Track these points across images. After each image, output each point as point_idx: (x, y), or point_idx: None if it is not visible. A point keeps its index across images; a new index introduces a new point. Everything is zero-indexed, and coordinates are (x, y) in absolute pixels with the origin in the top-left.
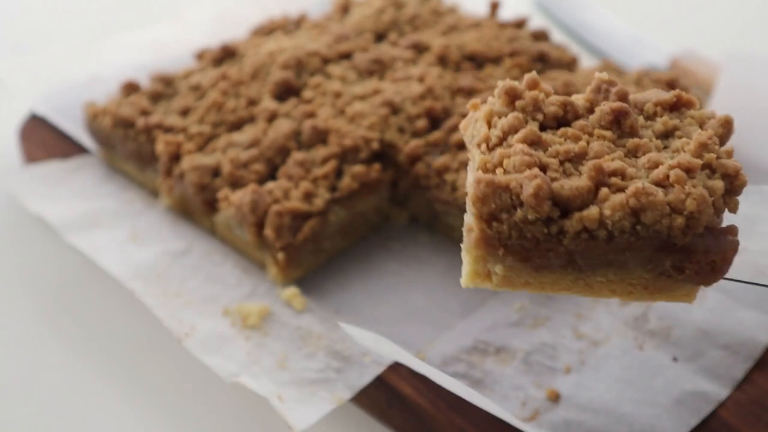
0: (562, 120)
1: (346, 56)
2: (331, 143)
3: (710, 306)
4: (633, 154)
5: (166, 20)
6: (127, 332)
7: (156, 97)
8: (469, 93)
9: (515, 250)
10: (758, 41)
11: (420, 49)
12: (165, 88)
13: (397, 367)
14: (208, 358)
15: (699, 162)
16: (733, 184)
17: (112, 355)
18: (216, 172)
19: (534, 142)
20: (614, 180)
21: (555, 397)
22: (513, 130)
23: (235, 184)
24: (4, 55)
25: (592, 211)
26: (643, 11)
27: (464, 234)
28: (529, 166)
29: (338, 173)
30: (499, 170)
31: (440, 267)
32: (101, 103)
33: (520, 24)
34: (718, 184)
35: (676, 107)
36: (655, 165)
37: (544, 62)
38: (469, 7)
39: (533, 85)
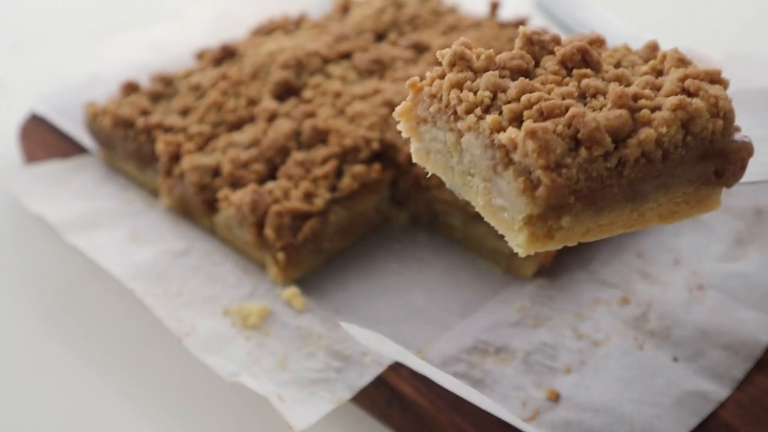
0: (524, 72)
1: (346, 56)
2: (331, 143)
3: (710, 306)
4: (617, 83)
5: (166, 20)
6: (127, 332)
7: (156, 97)
8: None
9: (583, 194)
10: (758, 41)
11: (420, 49)
12: (165, 88)
13: (397, 367)
14: (208, 357)
15: (701, 70)
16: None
17: (112, 355)
18: (216, 172)
19: (530, 91)
20: (642, 102)
21: (555, 397)
22: (498, 87)
23: (235, 184)
24: (4, 55)
25: (648, 132)
26: (643, 11)
27: (509, 202)
28: (560, 109)
29: (338, 173)
30: (525, 127)
31: (440, 267)
32: (101, 103)
33: (520, 24)
34: (719, 88)
35: (595, 43)
36: (655, 86)
37: None
38: (469, 7)
39: (469, 48)
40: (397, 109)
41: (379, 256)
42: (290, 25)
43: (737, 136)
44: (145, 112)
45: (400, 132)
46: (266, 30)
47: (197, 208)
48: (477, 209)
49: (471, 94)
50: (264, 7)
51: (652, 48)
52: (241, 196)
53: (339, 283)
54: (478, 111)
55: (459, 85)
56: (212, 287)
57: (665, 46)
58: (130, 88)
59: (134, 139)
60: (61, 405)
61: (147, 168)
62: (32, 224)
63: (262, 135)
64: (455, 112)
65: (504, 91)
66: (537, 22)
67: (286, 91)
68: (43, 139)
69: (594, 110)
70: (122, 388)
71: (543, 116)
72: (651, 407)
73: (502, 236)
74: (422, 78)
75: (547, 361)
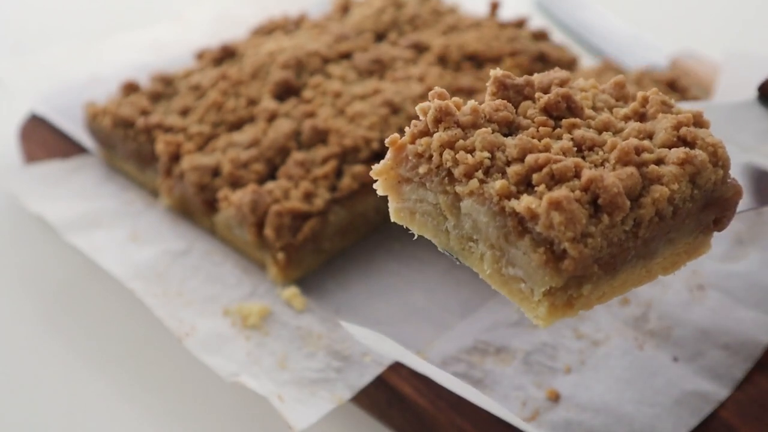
0: (511, 124)
1: (346, 56)
2: (331, 143)
3: (710, 306)
4: (605, 131)
5: (166, 20)
6: (127, 332)
7: (156, 97)
8: (470, 93)
9: (605, 261)
10: (758, 41)
11: (420, 48)
12: (165, 88)
13: (397, 367)
14: (208, 357)
15: (690, 116)
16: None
17: (112, 355)
18: (216, 172)
19: (531, 149)
20: (645, 156)
21: (555, 397)
22: (495, 146)
23: (235, 184)
24: (4, 55)
25: (662, 191)
26: (643, 11)
27: (526, 273)
28: (572, 171)
29: (338, 173)
30: (539, 191)
31: (440, 267)
32: (101, 103)
33: (520, 24)
34: (708, 132)
35: (565, 83)
36: (646, 133)
37: (544, 62)
38: (469, 7)
39: (444, 98)
40: (376, 167)
41: (379, 256)
42: (290, 25)
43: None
44: (145, 112)
45: (400, 132)
46: (266, 30)
47: (197, 208)
48: (481, 276)
49: (468, 156)
50: (264, 7)
51: (620, 86)
52: (241, 196)
53: (339, 283)
54: (479, 174)
55: (450, 145)
56: (212, 287)
57: (665, 46)
58: (130, 88)
59: (134, 139)
60: (61, 405)
61: (147, 168)
62: (32, 224)
63: (262, 135)
64: (449, 174)
65: (501, 149)
66: (537, 22)
67: (286, 91)
68: (43, 139)
69: (596, 166)
70: (122, 388)
71: (554, 180)
72: (651, 407)
73: None
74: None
75: (547, 361)
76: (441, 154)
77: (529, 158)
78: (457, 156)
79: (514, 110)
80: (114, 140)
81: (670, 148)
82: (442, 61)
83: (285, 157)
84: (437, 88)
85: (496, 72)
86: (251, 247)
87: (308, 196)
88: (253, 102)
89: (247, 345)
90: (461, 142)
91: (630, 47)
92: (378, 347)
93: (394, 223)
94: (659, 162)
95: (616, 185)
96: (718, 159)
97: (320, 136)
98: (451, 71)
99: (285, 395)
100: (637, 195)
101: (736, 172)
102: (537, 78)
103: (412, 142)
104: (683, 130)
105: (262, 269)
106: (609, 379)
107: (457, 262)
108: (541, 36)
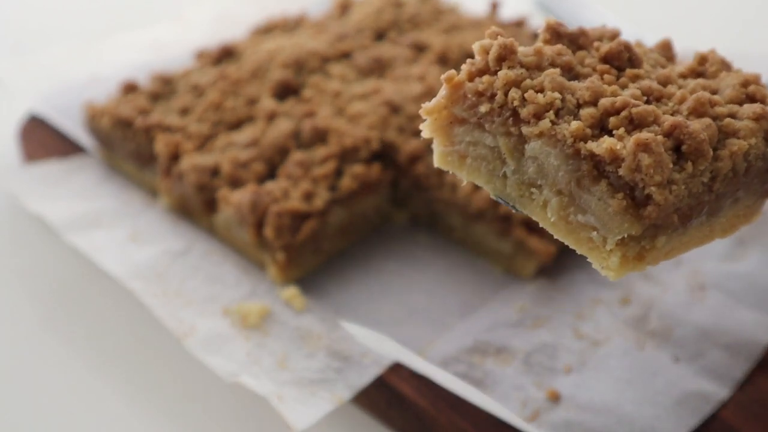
0: (574, 70)
1: (346, 55)
2: (331, 143)
3: (711, 306)
4: (669, 84)
5: (166, 20)
6: (127, 332)
7: (155, 97)
8: None
9: (683, 213)
10: (758, 41)
11: (420, 48)
12: (164, 87)
13: (397, 368)
14: (208, 357)
15: (755, 75)
16: None
17: (112, 355)
18: (215, 171)
19: (603, 94)
20: (719, 110)
21: (555, 398)
22: (564, 88)
23: (235, 183)
24: (4, 55)
25: (740, 144)
26: (643, 11)
27: (600, 220)
28: (653, 117)
29: (338, 173)
30: (618, 134)
31: (440, 267)
32: (101, 103)
33: (520, 24)
34: None
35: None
36: (711, 90)
37: None
38: (469, 6)
39: (510, 43)
40: (427, 105)
41: (379, 256)
42: (290, 25)
43: None
44: (144, 112)
45: (400, 131)
46: (266, 29)
47: (197, 208)
48: (542, 224)
49: (537, 95)
50: (264, 7)
51: (666, 47)
52: (241, 196)
53: (339, 283)
54: (550, 115)
55: (517, 84)
56: (212, 287)
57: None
58: (130, 88)
59: (133, 139)
60: (61, 405)
61: (146, 168)
62: (32, 224)
63: (262, 135)
64: (515, 115)
65: (570, 92)
66: (537, 22)
67: (285, 91)
68: (42, 139)
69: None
70: (122, 388)
71: (633, 125)
72: (651, 407)
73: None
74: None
75: (547, 362)
76: (506, 93)
77: (604, 101)
78: (525, 95)
79: (573, 57)
80: (113, 140)
81: (740, 104)
82: (442, 60)
83: (284, 157)
84: (494, 28)
85: (549, 19)
86: (251, 247)
87: (308, 196)
88: (252, 101)
89: (247, 345)
90: (528, 81)
91: None
92: (378, 347)
93: (394, 223)
94: (732, 116)
95: (702, 131)
96: None
97: (320, 136)
98: None
99: (285, 395)
100: (714, 147)
101: None
102: (589, 29)
103: (471, 80)
104: (752, 87)
105: (261, 269)
106: (609, 379)
107: (514, 210)
108: None
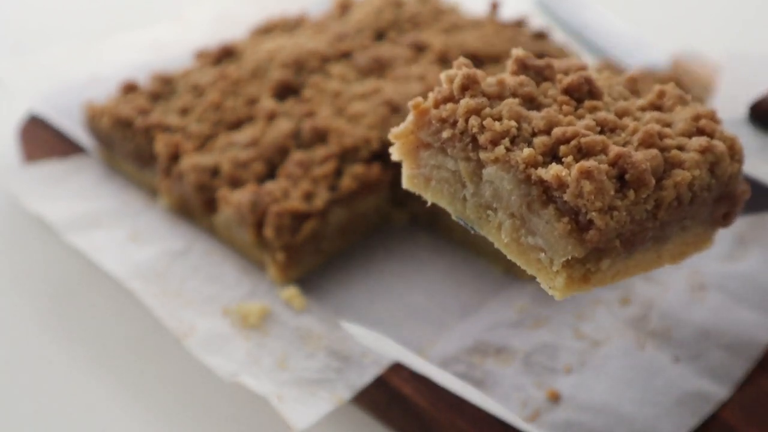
0: (534, 100)
1: (346, 55)
2: (331, 143)
3: (711, 306)
4: (625, 116)
5: (166, 20)
6: (127, 332)
7: (155, 97)
8: None
9: (625, 238)
10: (758, 41)
11: (420, 48)
12: (164, 87)
13: (397, 368)
14: (207, 357)
15: (708, 110)
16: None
17: (112, 355)
18: (215, 171)
19: (557, 124)
20: (668, 141)
21: (555, 398)
22: (521, 117)
23: (235, 183)
24: (4, 55)
25: (684, 174)
26: (643, 11)
27: (547, 242)
28: (600, 146)
29: (338, 173)
30: (567, 161)
31: (440, 267)
32: (101, 103)
33: (520, 24)
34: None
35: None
36: (665, 123)
37: None
38: (469, 6)
39: (473, 74)
40: (395, 130)
41: (379, 256)
42: (290, 25)
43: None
44: (144, 112)
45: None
46: (266, 29)
47: (196, 208)
48: (497, 245)
49: (495, 123)
50: (264, 7)
51: (634, 80)
52: (241, 196)
53: (339, 283)
54: (506, 142)
55: (477, 111)
56: (212, 287)
57: (665, 46)
58: (130, 88)
59: (133, 139)
60: (61, 404)
61: (146, 168)
62: (32, 224)
63: (262, 135)
64: (474, 141)
65: (527, 120)
66: (537, 22)
67: (285, 91)
68: (42, 139)
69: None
70: (122, 388)
71: (582, 153)
72: (651, 408)
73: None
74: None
75: (547, 362)
76: (467, 120)
77: (557, 131)
78: (484, 123)
79: (536, 88)
80: (113, 140)
81: (689, 137)
82: (442, 60)
83: (284, 157)
84: (462, 58)
85: (517, 51)
86: (251, 247)
87: (308, 196)
88: (252, 101)
89: (247, 345)
90: (488, 110)
91: (630, 47)
92: (378, 347)
93: (394, 223)
94: (680, 148)
95: (644, 161)
96: (735, 152)
97: (320, 136)
98: None
99: (285, 395)
100: (660, 177)
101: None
102: (556, 62)
103: (436, 107)
104: (702, 121)
105: (261, 269)
106: (609, 379)
107: (472, 231)
108: (541, 36)
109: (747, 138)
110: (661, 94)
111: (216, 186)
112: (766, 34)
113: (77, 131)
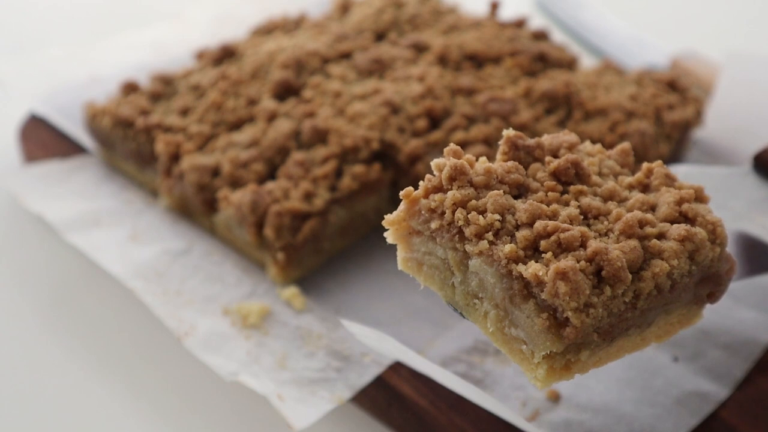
0: (522, 186)
1: (346, 56)
2: (331, 143)
3: (710, 306)
4: (610, 199)
5: (166, 20)
6: (127, 331)
7: (156, 97)
8: (469, 92)
9: (604, 330)
10: (758, 41)
11: (420, 48)
12: (165, 87)
13: (397, 367)
14: (208, 357)
15: (692, 191)
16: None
17: (112, 355)
18: (216, 171)
19: (540, 215)
20: (648, 230)
21: (555, 397)
22: (505, 208)
23: (235, 183)
24: (4, 55)
25: (662, 266)
26: (643, 11)
27: (528, 336)
28: (579, 241)
29: (338, 173)
30: (546, 257)
31: None
32: (101, 103)
33: (520, 24)
34: (707, 208)
35: (574, 146)
36: (649, 205)
37: (544, 62)
38: (469, 6)
39: (459, 156)
40: (389, 216)
41: (379, 256)
42: (290, 25)
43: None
44: (144, 112)
45: (400, 131)
46: (266, 30)
47: (197, 207)
48: (484, 333)
49: (479, 216)
50: (264, 7)
51: (626, 153)
52: (241, 196)
53: (339, 283)
54: (489, 236)
55: (463, 204)
56: (212, 287)
57: (665, 46)
58: (130, 88)
59: (134, 139)
60: (61, 404)
61: (147, 168)
62: (32, 224)
63: (262, 135)
64: (460, 232)
65: (511, 212)
66: (537, 22)
67: (285, 91)
68: (42, 139)
69: (601, 235)
70: (122, 388)
71: (561, 248)
72: (651, 407)
73: None
74: (416, 187)
75: None
76: (453, 212)
77: (538, 224)
78: (469, 216)
79: (525, 172)
80: (113, 140)
81: (671, 222)
82: (442, 60)
83: (285, 157)
84: (452, 145)
85: (509, 132)
86: (251, 247)
87: (308, 196)
88: (252, 102)
89: (247, 344)
90: (473, 202)
91: (630, 47)
92: (378, 346)
93: None
94: (661, 236)
95: (619, 259)
96: (717, 237)
97: (320, 136)
98: (451, 71)
99: (285, 395)
100: (639, 268)
101: (729, 240)
102: (547, 140)
103: (426, 197)
104: (685, 206)
105: (262, 269)
106: (609, 379)
107: (461, 316)
108: (541, 36)
109: (751, 189)
110: (649, 173)
111: (216, 186)
112: (766, 34)
113: (77, 131)
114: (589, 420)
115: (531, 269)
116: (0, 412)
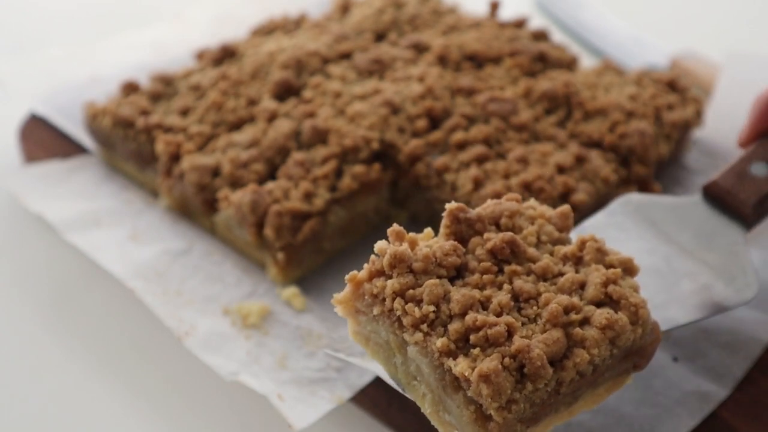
0: (458, 267)
1: (346, 56)
2: (331, 143)
3: None
4: (543, 278)
5: (166, 20)
6: (127, 332)
7: (156, 97)
8: (469, 93)
9: (528, 419)
10: (758, 41)
11: (420, 48)
12: (165, 88)
13: None
14: (208, 357)
15: (618, 269)
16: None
17: (112, 355)
18: (216, 172)
19: (471, 305)
20: (572, 316)
21: None
22: (440, 298)
23: (235, 184)
24: (4, 55)
25: (583, 356)
26: (643, 11)
27: (459, 423)
28: (504, 336)
29: (338, 173)
30: (474, 353)
31: None
32: (101, 103)
33: (520, 24)
34: (634, 285)
35: (512, 200)
36: (579, 285)
37: (544, 62)
38: (469, 7)
39: (402, 238)
40: (337, 295)
41: None
42: (290, 25)
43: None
44: (144, 112)
45: (400, 131)
46: (266, 30)
47: (197, 208)
48: (424, 412)
49: (416, 308)
50: (264, 8)
51: (566, 216)
52: (241, 196)
53: (339, 283)
54: (424, 327)
55: (402, 293)
56: (212, 287)
57: (665, 46)
58: (130, 88)
59: (134, 139)
60: (61, 404)
61: (147, 168)
62: (32, 224)
63: (262, 135)
64: (399, 320)
65: (447, 299)
66: (537, 22)
67: (286, 91)
68: (42, 139)
69: (530, 320)
70: (121, 388)
71: (489, 343)
72: (651, 407)
73: None
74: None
75: None
76: (393, 300)
77: (468, 318)
78: (406, 307)
79: (464, 249)
80: (114, 140)
81: (597, 305)
82: (442, 61)
83: (285, 157)
84: (395, 226)
85: (451, 206)
86: (251, 247)
87: (308, 196)
88: (253, 102)
89: (247, 344)
90: (411, 291)
91: (630, 47)
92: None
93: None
94: (585, 322)
95: (540, 357)
96: (639, 318)
97: (320, 136)
98: (451, 71)
99: (285, 394)
100: (562, 356)
101: (685, 284)
102: (488, 210)
103: (369, 280)
104: (610, 288)
105: (262, 269)
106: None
107: (403, 392)
108: (541, 36)
109: (700, 221)
110: (582, 246)
111: (216, 186)
112: (766, 34)
113: (77, 131)
114: (589, 420)
115: (459, 367)
116: (0, 412)
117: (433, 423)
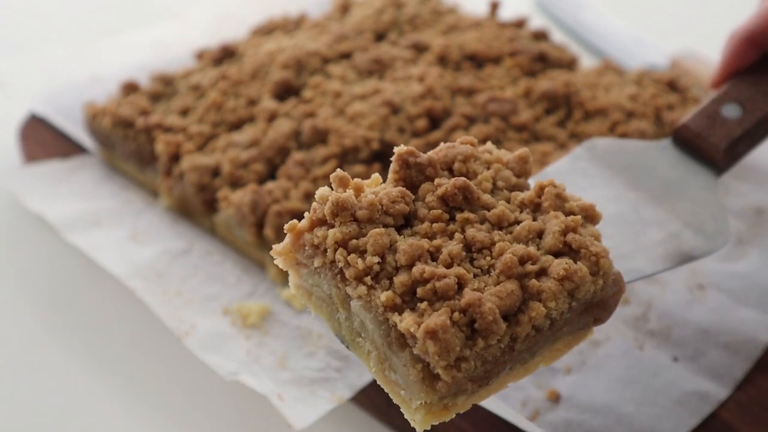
0: (407, 215)
1: (346, 56)
2: (331, 143)
3: (710, 306)
4: (498, 226)
5: (166, 20)
6: (127, 331)
7: (156, 97)
8: (469, 92)
9: (479, 377)
10: None
11: (420, 48)
12: (165, 87)
13: None
14: (208, 356)
15: (579, 216)
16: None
17: (112, 354)
18: (216, 171)
19: (419, 255)
20: (528, 267)
21: (555, 398)
22: (386, 248)
23: (235, 184)
24: (4, 55)
25: (539, 309)
26: (643, 11)
27: (405, 383)
28: (454, 290)
29: None
30: (421, 307)
31: None
32: (101, 103)
33: (520, 24)
34: (595, 233)
35: (468, 144)
36: (537, 233)
37: (544, 62)
38: (469, 7)
39: (346, 184)
40: (276, 246)
41: None
42: (290, 25)
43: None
44: (144, 112)
45: (400, 131)
46: (266, 30)
47: (197, 208)
48: (369, 370)
49: (359, 260)
50: (264, 8)
51: (524, 160)
52: (241, 196)
53: None
54: (368, 280)
55: (344, 244)
56: (212, 286)
57: (665, 46)
58: (130, 88)
59: (134, 139)
60: (61, 404)
61: (147, 168)
62: (32, 224)
63: (262, 135)
64: (342, 273)
65: (393, 250)
66: (537, 22)
67: (285, 91)
68: (43, 139)
69: (483, 271)
70: (122, 387)
71: (437, 296)
72: (651, 407)
73: None
74: (301, 217)
75: None
76: (335, 251)
77: (415, 270)
78: (348, 258)
79: (413, 196)
80: (114, 140)
81: (555, 254)
82: (442, 61)
83: (285, 157)
84: (339, 171)
85: (400, 149)
86: (251, 246)
87: (308, 196)
88: (252, 102)
89: (247, 344)
90: (354, 241)
91: (630, 47)
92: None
93: None
94: (542, 273)
95: (492, 312)
96: (599, 269)
97: (320, 136)
98: (451, 71)
99: (285, 394)
100: (517, 310)
101: (653, 233)
102: (441, 153)
103: (310, 230)
104: (570, 236)
105: (261, 269)
106: (609, 379)
107: (348, 349)
108: (541, 36)
109: (667, 167)
110: (540, 191)
111: (216, 186)
112: None
113: (77, 131)
114: (589, 420)
115: (404, 322)
116: (0, 412)
117: (380, 383)
